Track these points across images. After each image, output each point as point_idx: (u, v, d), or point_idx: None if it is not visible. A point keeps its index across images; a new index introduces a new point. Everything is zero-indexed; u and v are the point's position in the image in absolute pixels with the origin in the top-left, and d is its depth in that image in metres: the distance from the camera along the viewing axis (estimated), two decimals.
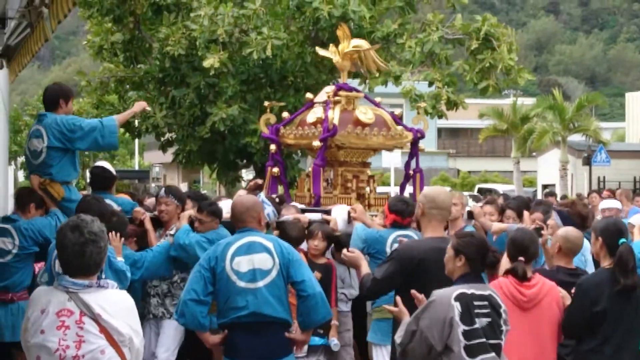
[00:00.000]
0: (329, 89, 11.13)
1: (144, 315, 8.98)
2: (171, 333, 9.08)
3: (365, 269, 7.16)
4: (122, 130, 22.78)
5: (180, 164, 21.44)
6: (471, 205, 11.78)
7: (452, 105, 18.58)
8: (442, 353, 5.79)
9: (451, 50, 18.75)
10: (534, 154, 45.95)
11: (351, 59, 11.04)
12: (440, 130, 61.61)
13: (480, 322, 5.81)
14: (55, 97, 8.71)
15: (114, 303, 4.96)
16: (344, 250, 7.59)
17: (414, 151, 11.14)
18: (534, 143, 40.92)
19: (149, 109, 9.81)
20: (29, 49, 7.57)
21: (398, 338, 6.01)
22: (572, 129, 40.68)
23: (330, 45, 11.40)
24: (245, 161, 20.77)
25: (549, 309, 7.01)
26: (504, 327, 5.97)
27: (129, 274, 8.00)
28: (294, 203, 10.35)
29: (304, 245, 9.20)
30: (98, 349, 4.85)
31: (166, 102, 19.55)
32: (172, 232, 8.95)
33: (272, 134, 11.08)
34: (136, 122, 21.10)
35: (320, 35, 18.46)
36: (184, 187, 36.18)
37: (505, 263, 7.43)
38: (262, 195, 9.56)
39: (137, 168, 54.73)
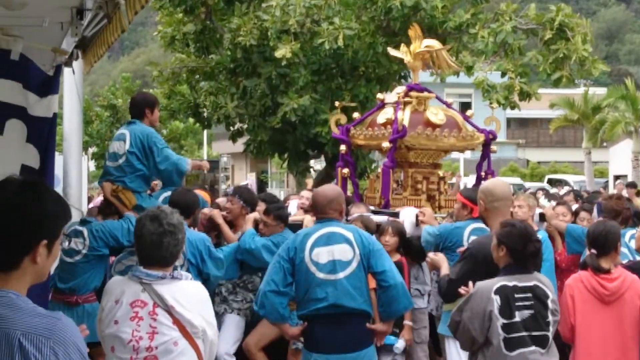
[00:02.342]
0: (400, 89, 11.09)
1: None
2: (232, 327, 9.12)
3: (445, 270, 7.15)
4: (191, 120, 22.90)
5: (251, 154, 21.45)
6: (543, 204, 11.61)
7: (525, 96, 18.38)
8: (484, 345, 5.80)
9: (524, 40, 18.50)
10: (605, 144, 45.38)
11: (423, 59, 10.97)
12: (509, 120, 61.10)
13: (521, 315, 5.84)
14: (140, 107, 8.87)
15: (188, 295, 4.98)
16: (430, 254, 7.60)
17: (486, 153, 11.07)
18: (605, 133, 40.39)
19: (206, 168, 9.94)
20: (105, 40, 7.57)
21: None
22: None
23: (402, 45, 11.35)
24: (315, 151, 20.74)
25: (630, 302, 6.91)
26: (550, 318, 5.96)
27: (225, 262, 8.13)
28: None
29: None
30: (171, 340, 4.88)
31: (237, 93, 19.56)
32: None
33: (342, 134, 11.09)
34: (206, 112, 21.17)
35: (392, 25, 18.38)
36: (251, 177, 36.21)
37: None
38: None
39: (205, 158, 54.97)
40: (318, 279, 6.97)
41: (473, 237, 8.58)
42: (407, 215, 9.70)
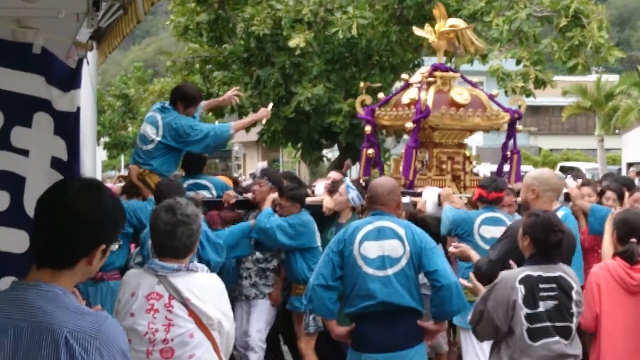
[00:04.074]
0: (425, 69, 11.05)
1: (236, 296, 9.09)
2: (263, 313, 9.14)
3: (475, 255, 7.03)
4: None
5: (265, 143, 21.44)
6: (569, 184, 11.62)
7: (540, 83, 18.28)
8: (507, 334, 5.76)
9: (539, 28, 18.39)
10: (618, 131, 45.26)
11: (447, 38, 10.92)
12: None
13: (545, 305, 5.79)
14: (174, 98, 9.10)
15: (203, 287, 4.96)
16: (451, 248, 7.49)
17: (512, 132, 11.00)
18: (618, 120, 40.26)
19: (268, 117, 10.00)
20: (120, 31, 7.52)
21: (470, 317, 6.06)
22: None
23: (426, 25, 11.32)
24: (329, 141, 20.69)
25: None
26: (574, 309, 5.92)
27: (224, 247, 8.10)
28: None
29: None
30: (187, 332, 4.88)
31: (251, 82, 19.51)
32: None
33: (367, 115, 11.06)
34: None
35: (406, 14, 18.33)
36: (263, 166, 36.24)
37: (607, 245, 7.29)
38: (347, 179, 9.54)
39: None
40: (366, 273, 6.79)
41: (484, 227, 8.59)
42: (430, 195, 9.73)
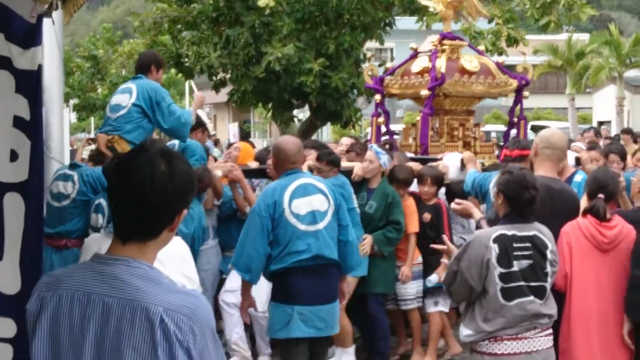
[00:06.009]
0: (434, 38, 11.38)
1: None
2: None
3: (477, 214, 7.09)
4: (173, 71, 22.64)
5: (235, 104, 21.24)
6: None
7: (513, 41, 18.25)
8: (481, 294, 5.71)
9: None
10: (588, 90, 45.42)
11: (454, 7, 11.31)
12: None
13: (519, 265, 5.74)
14: (148, 63, 8.99)
15: (165, 251, 4.78)
16: (453, 204, 7.54)
17: (519, 98, 11.42)
18: (589, 79, 40.38)
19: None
20: None
21: (443, 278, 6.03)
22: (628, 64, 40.13)
23: None
24: (300, 101, 20.55)
25: (626, 250, 6.81)
26: (549, 269, 5.86)
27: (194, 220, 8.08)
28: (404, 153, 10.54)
29: (414, 187, 9.56)
30: None
31: (220, 42, 19.28)
32: None
33: (376, 84, 11.38)
34: (188, 62, 20.92)
35: None
36: (234, 127, 36.07)
37: (583, 204, 7.25)
38: (375, 146, 9.70)
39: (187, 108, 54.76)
40: (300, 230, 6.99)
41: None
42: (452, 160, 9.90)
